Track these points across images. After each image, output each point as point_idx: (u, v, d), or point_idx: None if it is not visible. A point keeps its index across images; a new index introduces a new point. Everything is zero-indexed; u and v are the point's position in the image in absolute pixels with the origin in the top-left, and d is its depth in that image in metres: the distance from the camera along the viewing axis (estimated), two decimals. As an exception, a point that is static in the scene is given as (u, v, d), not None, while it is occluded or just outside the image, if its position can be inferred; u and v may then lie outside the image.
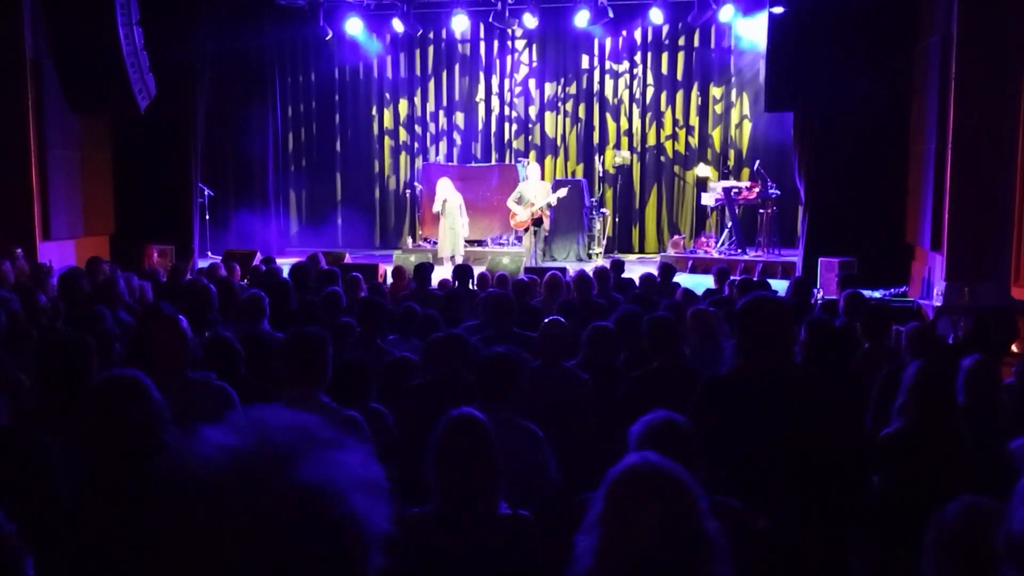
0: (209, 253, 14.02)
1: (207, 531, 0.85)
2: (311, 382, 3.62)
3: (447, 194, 13.98)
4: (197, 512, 0.85)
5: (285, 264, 10.09)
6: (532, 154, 16.79)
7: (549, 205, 13.36)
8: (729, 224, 14.15)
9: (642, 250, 16.48)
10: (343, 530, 0.88)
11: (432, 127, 17.53)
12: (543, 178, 15.44)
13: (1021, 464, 3.19)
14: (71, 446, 2.76)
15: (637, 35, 16.46)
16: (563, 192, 13.54)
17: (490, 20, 15.49)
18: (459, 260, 13.32)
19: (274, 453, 0.89)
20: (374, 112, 17.41)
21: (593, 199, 15.42)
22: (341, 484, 0.90)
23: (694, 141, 16.44)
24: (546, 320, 4.97)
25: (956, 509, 2.16)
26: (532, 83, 17.07)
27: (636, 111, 16.64)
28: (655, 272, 8.58)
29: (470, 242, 14.87)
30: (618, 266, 9.38)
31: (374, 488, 0.94)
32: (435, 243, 15.05)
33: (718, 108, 16.33)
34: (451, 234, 13.86)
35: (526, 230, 13.39)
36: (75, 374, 3.47)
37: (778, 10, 11.36)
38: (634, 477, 2.04)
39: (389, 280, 10.22)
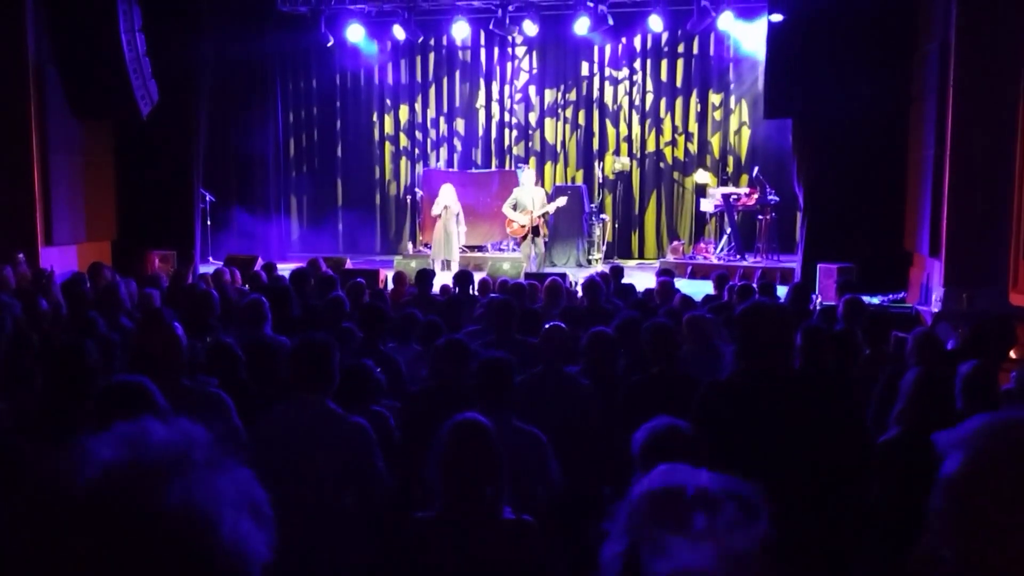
0: (210, 258, 14.05)
1: (71, 548, 0.82)
2: (318, 388, 3.64)
3: (448, 200, 14.00)
4: (64, 527, 0.83)
5: (285, 270, 10.12)
6: (532, 160, 16.83)
7: (547, 213, 13.37)
8: (728, 230, 14.19)
9: (641, 256, 16.51)
10: (213, 555, 0.85)
11: (433, 133, 17.58)
12: (543, 184, 15.49)
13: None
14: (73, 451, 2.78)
15: (637, 42, 16.52)
16: (562, 201, 13.56)
17: (490, 27, 15.55)
18: (454, 266, 13.36)
19: (145, 472, 0.86)
20: (375, 118, 17.47)
21: (593, 205, 15.46)
22: (214, 508, 0.86)
23: (693, 147, 16.48)
24: (547, 326, 4.99)
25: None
26: (532, 89, 17.13)
27: (636, 117, 16.69)
28: (655, 286, 8.57)
29: (470, 247, 14.90)
30: (617, 272, 9.39)
31: (254, 513, 0.90)
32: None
33: (717, 115, 16.38)
34: (445, 238, 13.88)
35: (523, 238, 13.42)
36: (77, 379, 3.49)
37: (777, 17, 11.40)
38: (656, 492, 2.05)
39: (390, 286, 10.25)
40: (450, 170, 16.60)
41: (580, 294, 8.55)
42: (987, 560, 0.98)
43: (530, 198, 13.30)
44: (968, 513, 0.99)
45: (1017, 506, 0.96)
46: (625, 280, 9.42)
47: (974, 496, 0.99)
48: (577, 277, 11.89)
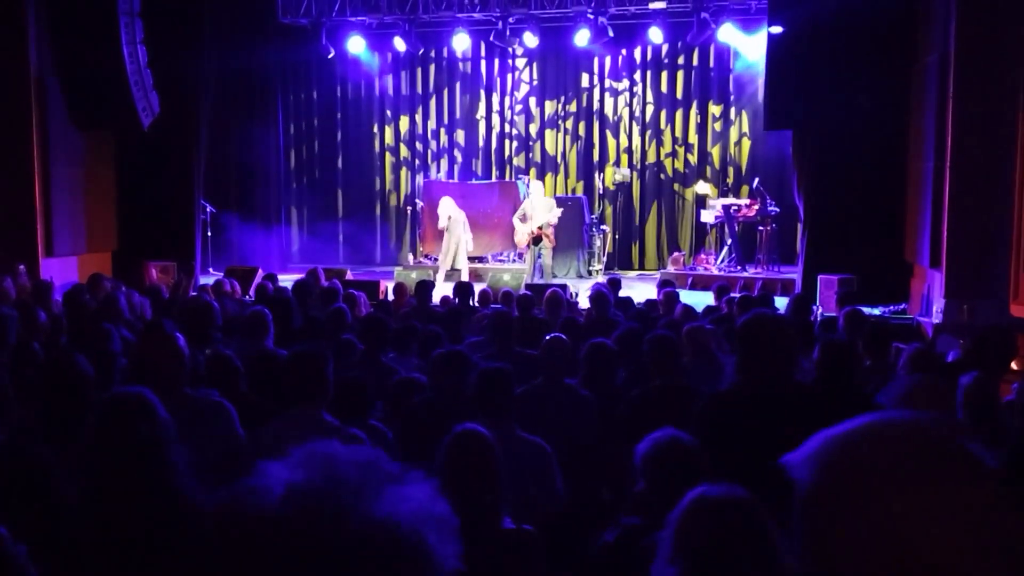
0: (211, 269, 14.05)
1: (277, 568, 0.82)
2: (312, 400, 3.62)
3: (450, 211, 13.99)
4: (266, 549, 0.83)
5: (286, 281, 10.12)
6: (532, 171, 16.86)
7: (549, 224, 13.38)
8: (729, 241, 14.19)
9: (642, 267, 16.52)
10: (417, 567, 0.85)
11: (433, 144, 17.62)
12: (545, 195, 15.49)
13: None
14: (73, 462, 2.78)
15: (637, 54, 16.57)
16: (558, 212, 13.56)
17: (491, 39, 15.60)
18: (464, 275, 13.38)
19: (345, 488, 0.86)
20: (375, 129, 17.51)
21: (593, 216, 15.47)
22: (412, 519, 0.87)
23: (693, 159, 16.51)
24: (548, 337, 4.98)
25: None
26: (532, 101, 17.17)
27: (636, 129, 16.72)
28: (656, 296, 8.57)
29: (471, 258, 14.91)
30: (615, 284, 9.38)
31: (442, 524, 0.90)
32: (436, 259, 15.10)
33: (717, 126, 16.41)
34: (454, 249, 13.90)
35: (527, 247, 13.44)
36: (70, 391, 3.48)
37: (777, 29, 11.44)
38: (705, 507, 2.05)
39: (390, 297, 10.25)
40: (450, 181, 16.62)
41: (585, 305, 8.53)
42: None
43: (537, 209, 13.33)
44: (817, 531, 0.98)
45: (863, 522, 0.95)
46: (626, 292, 9.42)
47: (822, 513, 0.98)
48: (577, 288, 11.90)
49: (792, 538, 1.03)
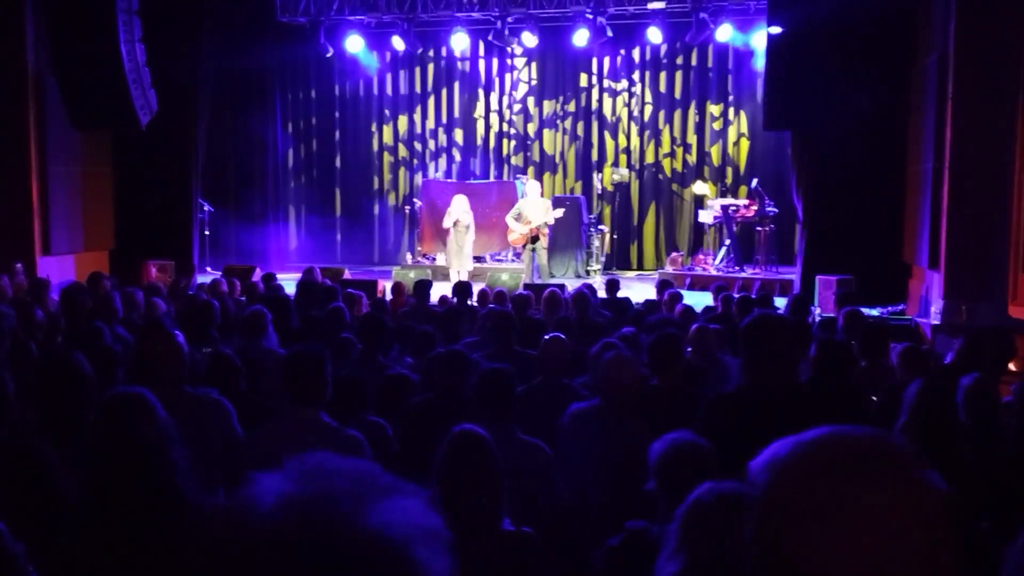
0: (208, 268, 14.03)
1: None
2: (310, 401, 3.61)
3: (459, 214, 13.80)
4: (255, 561, 0.82)
5: (284, 280, 10.11)
6: (531, 171, 16.84)
7: (546, 224, 13.36)
8: (727, 241, 14.19)
9: (640, 267, 16.51)
10: None
11: (431, 144, 17.60)
12: (543, 195, 15.47)
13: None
14: (72, 460, 2.77)
15: (635, 54, 16.56)
16: (559, 212, 13.55)
17: (489, 38, 15.58)
18: (464, 276, 13.35)
19: (337, 499, 0.86)
20: (374, 128, 17.49)
21: (591, 216, 15.46)
22: (404, 532, 0.86)
23: (692, 159, 16.51)
24: (546, 337, 4.97)
25: None
26: (531, 100, 17.16)
27: (634, 129, 16.72)
28: (654, 296, 8.55)
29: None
30: (613, 285, 9.36)
31: (434, 538, 0.90)
32: (433, 259, 15.08)
33: (716, 126, 16.41)
34: (456, 251, 13.81)
35: (523, 247, 13.42)
36: (69, 390, 3.47)
37: (776, 30, 11.43)
38: (707, 505, 2.05)
39: (388, 296, 10.23)
40: (448, 180, 16.60)
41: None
42: None
43: (532, 210, 13.30)
44: (766, 533, 1.00)
45: (807, 529, 0.96)
46: (624, 292, 9.41)
47: (772, 516, 1.00)
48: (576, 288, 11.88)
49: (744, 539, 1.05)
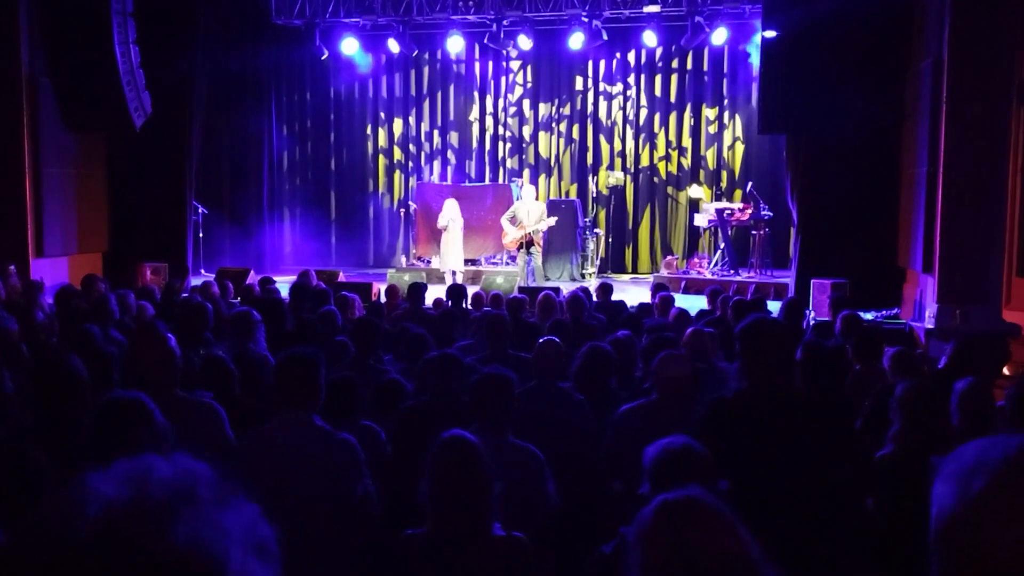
0: (202, 271, 14.00)
1: None
2: (303, 404, 3.59)
3: (452, 215, 13.90)
4: (69, 568, 0.80)
5: (278, 281, 10.08)
6: (526, 173, 16.85)
7: (539, 231, 13.35)
8: (722, 245, 14.21)
9: (635, 270, 16.52)
10: None
11: (427, 146, 17.60)
12: (537, 198, 15.47)
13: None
14: (67, 464, 2.75)
15: (631, 57, 16.58)
16: (552, 220, 13.53)
17: (485, 41, 15.58)
18: (459, 277, 13.37)
19: (149, 510, 0.83)
20: (369, 131, 17.49)
21: (586, 219, 15.46)
22: (222, 546, 0.83)
23: (687, 162, 16.53)
24: (541, 340, 4.96)
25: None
26: (526, 103, 17.17)
27: (630, 132, 16.74)
28: (648, 300, 8.55)
29: (464, 260, 14.87)
30: (607, 289, 9.36)
31: (261, 551, 0.87)
32: (428, 262, 15.07)
33: (711, 129, 16.43)
34: (453, 250, 13.86)
35: (518, 250, 13.42)
36: (69, 392, 3.45)
37: (771, 34, 11.45)
38: (674, 510, 2.00)
39: (382, 299, 10.22)
40: (444, 183, 16.60)
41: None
42: None
43: (527, 212, 13.31)
44: (963, 557, 0.95)
45: (1017, 552, 0.91)
46: (618, 295, 9.40)
47: (969, 539, 0.95)
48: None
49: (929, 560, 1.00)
